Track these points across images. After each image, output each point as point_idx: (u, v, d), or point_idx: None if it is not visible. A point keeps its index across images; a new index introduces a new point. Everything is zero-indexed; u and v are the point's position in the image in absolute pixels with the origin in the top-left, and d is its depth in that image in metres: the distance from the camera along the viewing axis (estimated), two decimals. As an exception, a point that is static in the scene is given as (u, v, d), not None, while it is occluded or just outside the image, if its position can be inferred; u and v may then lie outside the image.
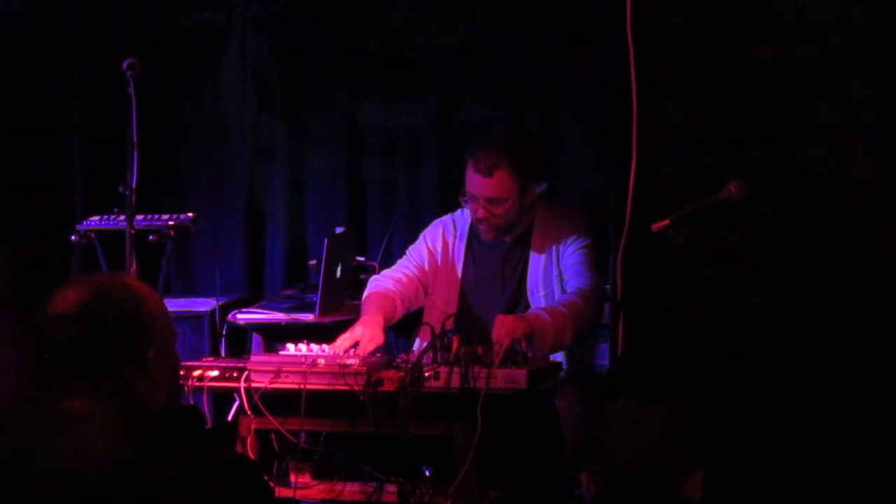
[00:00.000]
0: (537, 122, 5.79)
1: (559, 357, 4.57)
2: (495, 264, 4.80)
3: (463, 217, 4.85)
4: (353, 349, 4.28)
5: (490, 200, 4.62)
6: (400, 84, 6.02)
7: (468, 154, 4.65)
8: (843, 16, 4.22)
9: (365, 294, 4.77)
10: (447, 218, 4.91)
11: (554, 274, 4.69)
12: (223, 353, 5.16)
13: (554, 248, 4.71)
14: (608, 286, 4.64)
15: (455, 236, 4.85)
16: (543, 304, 4.59)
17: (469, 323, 4.59)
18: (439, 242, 4.85)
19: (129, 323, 2.45)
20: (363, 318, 4.52)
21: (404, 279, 4.80)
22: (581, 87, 5.67)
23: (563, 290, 4.65)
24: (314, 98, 6.16)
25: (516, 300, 4.74)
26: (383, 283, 4.78)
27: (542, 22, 5.71)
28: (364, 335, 4.37)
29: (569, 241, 4.70)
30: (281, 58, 6.19)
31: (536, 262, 4.72)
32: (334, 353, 4.18)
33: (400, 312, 4.75)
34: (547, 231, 4.74)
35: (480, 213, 4.65)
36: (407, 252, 4.92)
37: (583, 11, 5.52)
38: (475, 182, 4.61)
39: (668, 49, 4.36)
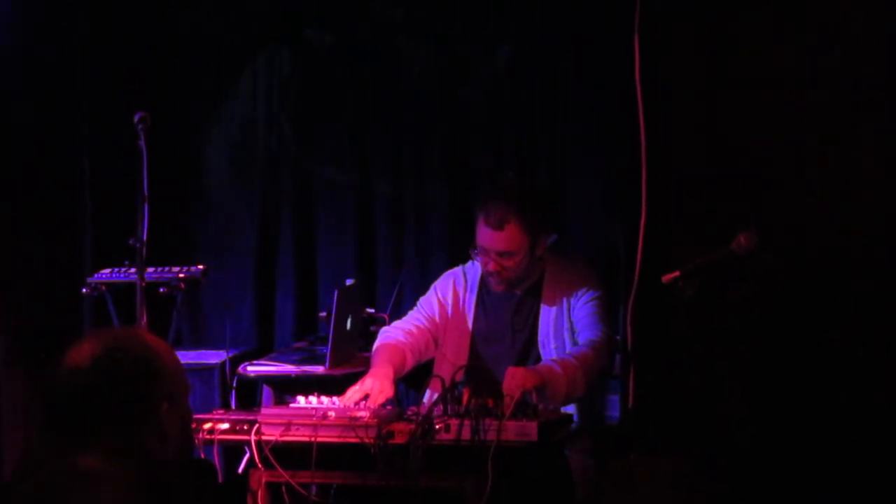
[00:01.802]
0: (545, 174, 5.78)
1: (570, 409, 4.55)
2: (506, 316, 4.79)
3: (474, 269, 4.85)
4: (364, 401, 4.28)
5: (501, 253, 4.62)
6: (410, 138, 6.03)
7: (479, 207, 4.66)
8: (850, 61, 4.23)
9: (375, 346, 4.77)
10: (458, 270, 4.92)
11: (565, 326, 4.69)
12: (233, 406, 5.15)
13: (564, 300, 4.71)
14: (619, 337, 4.64)
15: (466, 288, 4.85)
16: (554, 356, 4.58)
17: (480, 375, 4.59)
18: (450, 294, 4.85)
19: (142, 377, 2.46)
20: (373, 371, 4.51)
21: (414, 330, 4.80)
22: (590, 137, 5.67)
23: (575, 342, 4.64)
24: (324, 151, 6.17)
25: (527, 352, 4.73)
26: (393, 334, 4.78)
27: (551, 70, 5.72)
28: (374, 387, 4.36)
29: (579, 293, 4.70)
30: (291, 112, 6.21)
31: (547, 315, 4.71)
32: (344, 406, 4.18)
33: (410, 364, 4.74)
34: (557, 283, 4.74)
35: (491, 266, 4.65)
36: (418, 303, 4.92)
37: (592, 63, 5.53)
38: (486, 235, 4.62)
39: (677, 101, 4.38)
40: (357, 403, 4.25)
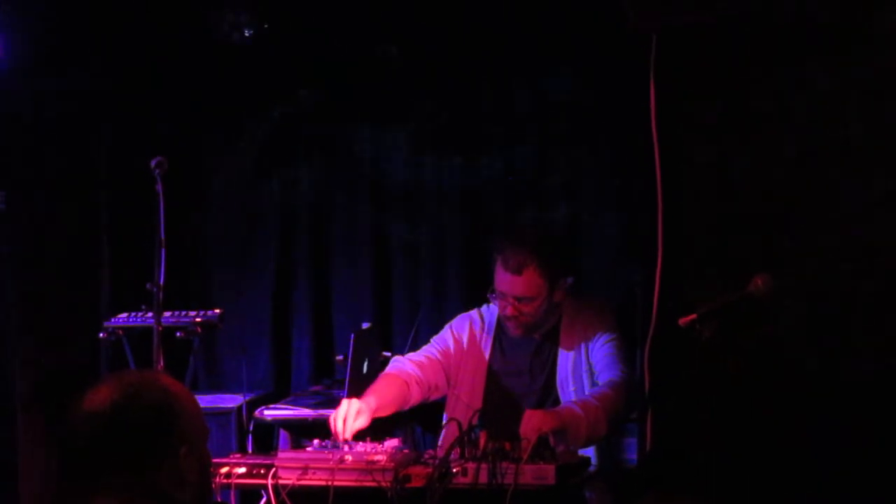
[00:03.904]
0: (562, 216, 5.78)
1: (589, 452, 4.53)
2: (524, 360, 4.77)
3: (490, 311, 4.84)
4: (378, 444, 4.25)
5: (519, 298, 4.61)
6: (426, 178, 6.04)
7: (496, 252, 4.65)
8: (863, 107, 4.25)
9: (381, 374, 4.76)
10: (474, 312, 4.91)
11: (584, 368, 4.67)
12: (250, 450, 5.15)
13: (582, 344, 4.69)
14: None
15: (483, 329, 4.83)
16: (574, 398, 4.56)
17: (497, 418, 4.57)
18: (466, 332, 4.83)
19: (160, 421, 2.47)
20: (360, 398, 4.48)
21: (425, 362, 4.77)
22: (605, 178, 5.68)
23: (594, 384, 4.62)
24: (340, 193, 6.18)
25: (545, 395, 4.71)
26: (401, 365, 4.76)
27: (566, 107, 5.73)
28: (349, 409, 4.32)
29: (597, 335, 4.68)
30: (306, 155, 6.24)
31: (566, 358, 4.70)
32: (361, 450, 4.16)
33: (416, 396, 4.71)
34: (575, 326, 4.72)
35: (509, 311, 4.64)
36: (431, 340, 4.90)
37: (608, 103, 5.54)
38: (504, 280, 4.61)
39: (693, 142, 4.39)
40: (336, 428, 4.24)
